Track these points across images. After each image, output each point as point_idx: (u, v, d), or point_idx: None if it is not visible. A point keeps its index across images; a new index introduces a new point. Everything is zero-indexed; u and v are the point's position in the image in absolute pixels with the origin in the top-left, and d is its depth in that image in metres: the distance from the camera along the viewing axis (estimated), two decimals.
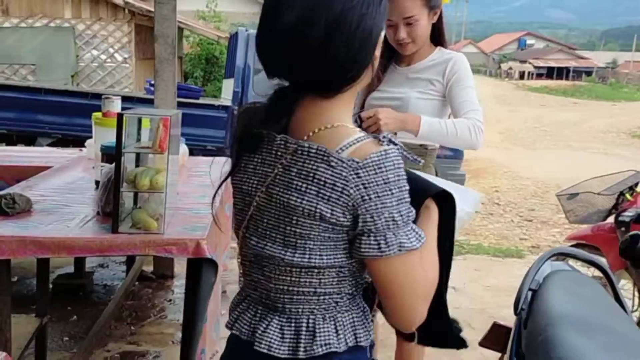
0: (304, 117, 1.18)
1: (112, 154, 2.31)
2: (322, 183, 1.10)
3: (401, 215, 1.11)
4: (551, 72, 62.84)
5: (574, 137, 19.81)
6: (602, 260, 2.39)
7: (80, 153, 3.92)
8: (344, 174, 1.09)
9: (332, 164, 1.10)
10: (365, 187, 1.08)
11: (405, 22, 2.35)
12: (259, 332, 1.21)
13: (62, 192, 2.83)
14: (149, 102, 5.29)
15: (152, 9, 4.08)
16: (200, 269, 2.35)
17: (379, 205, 1.09)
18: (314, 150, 1.12)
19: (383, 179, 1.09)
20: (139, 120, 2.32)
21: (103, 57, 12.67)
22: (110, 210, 2.33)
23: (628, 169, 4.09)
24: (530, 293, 2.01)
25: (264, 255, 1.20)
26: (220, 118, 7.23)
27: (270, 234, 1.18)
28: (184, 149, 3.60)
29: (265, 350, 1.19)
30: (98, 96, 4.44)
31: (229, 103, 7.27)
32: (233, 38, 7.68)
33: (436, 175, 2.49)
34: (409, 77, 2.47)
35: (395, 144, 1.14)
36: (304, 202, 1.11)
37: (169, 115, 2.20)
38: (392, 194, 1.09)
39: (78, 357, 3.01)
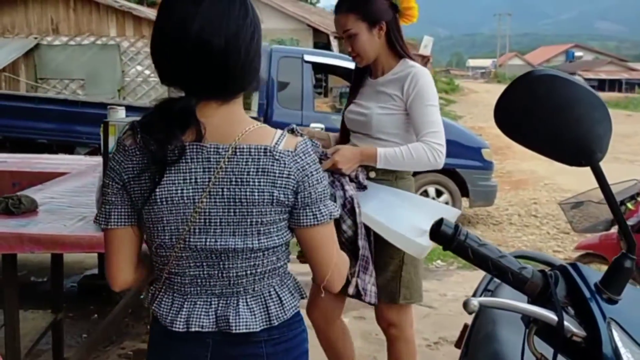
0: (215, 123, 1.31)
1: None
2: (273, 174, 1.30)
3: (325, 189, 1.38)
4: (602, 85, 61.15)
5: (623, 149, 19.30)
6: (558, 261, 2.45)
7: (100, 160, 4.17)
8: (287, 162, 1.31)
9: (277, 157, 1.31)
10: (303, 170, 1.33)
11: (346, 36, 2.42)
12: (232, 318, 1.34)
13: (69, 195, 3.06)
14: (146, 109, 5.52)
15: None
16: None
17: (313, 181, 1.34)
18: (255, 150, 1.30)
19: (312, 161, 1.35)
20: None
21: (147, 72, 13.15)
22: None
23: (631, 179, 4.08)
24: (487, 294, 2.09)
25: (221, 251, 1.33)
26: None
27: (227, 230, 1.31)
28: None
29: (244, 331, 1.35)
30: (132, 108, 4.69)
31: (255, 114, 7.51)
32: None
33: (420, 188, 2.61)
34: (376, 90, 2.51)
35: (302, 135, 1.44)
36: (264, 193, 1.30)
37: None
38: (318, 172, 1.36)
39: (83, 348, 3.22)
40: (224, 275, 1.36)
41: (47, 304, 3.61)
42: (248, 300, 1.37)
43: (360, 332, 3.99)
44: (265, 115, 7.35)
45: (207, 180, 1.29)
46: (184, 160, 1.29)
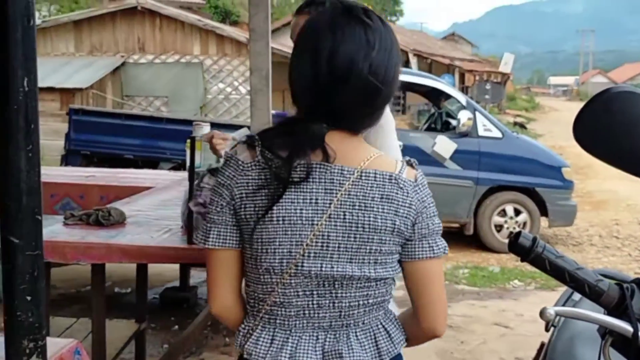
0: (343, 149, 1.27)
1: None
2: (397, 202, 1.27)
3: (439, 224, 1.35)
4: None
5: None
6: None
7: (185, 175, 4.30)
8: (410, 192, 1.29)
9: (401, 185, 1.28)
10: (422, 201, 1.31)
11: None
12: (345, 353, 1.27)
13: (156, 208, 3.17)
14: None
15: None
16: None
17: (430, 213, 1.32)
18: (380, 175, 1.27)
19: (428, 193, 1.33)
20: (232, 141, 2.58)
21: (228, 89, 13.50)
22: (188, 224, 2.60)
23: None
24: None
25: (337, 277, 1.25)
26: None
27: (345, 256, 1.25)
28: None
29: None
30: (215, 125, 4.82)
31: None
32: None
33: None
34: None
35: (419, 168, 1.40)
36: (387, 221, 1.25)
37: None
38: (433, 205, 1.34)
39: (165, 358, 3.30)
40: (336, 305, 1.27)
41: (131, 314, 3.73)
42: (358, 333, 1.30)
43: (435, 350, 3.93)
44: None
45: (328, 202, 1.24)
46: (306, 180, 1.24)
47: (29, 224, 1.45)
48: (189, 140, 3.40)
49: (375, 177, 1.26)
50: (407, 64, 20.71)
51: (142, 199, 3.38)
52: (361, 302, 1.28)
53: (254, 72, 4.25)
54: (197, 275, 5.25)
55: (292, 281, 1.25)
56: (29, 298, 1.45)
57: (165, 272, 5.19)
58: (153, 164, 7.54)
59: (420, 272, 1.33)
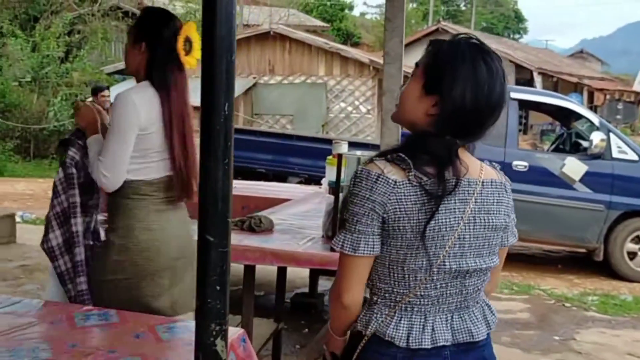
0: (464, 161, 1.51)
1: (334, 188, 2.86)
2: (506, 204, 1.58)
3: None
4: None
5: None
6: None
7: (318, 189, 4.61)
8: (509, 194, 1.60)
9: (507, 190, 1.59)
10: (513, 200, 1.63)
11: None
12: (473, 328, 1.55)
13: (298, 218, 3.47)
14: (378, 148, 5.88)
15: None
16: None
17: (513, 207, 1.62)
18: (494, 183, 1.56)
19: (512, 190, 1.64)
20: (358, 160, 2.84)
21: (349, 108, 13.88)
22: (331, 234, 2.87)
23: None
24: None
25: (470, 271, 1.52)
26: None
27: (474, 252, 1.51)
28: None
29: (482, 338, 1.57)
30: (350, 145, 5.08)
31: None
32: None
33: None
34: None
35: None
36: (502, 220, 1.56)
37: None
38: None
39: (300, 358, 3.57)
40: (462, 292, 1.54)
41: (264, 315, 4.03)
42: (475, 311, 1.58)
43: None
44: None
45: (463, 210, 1.48)
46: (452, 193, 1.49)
47: (222, 225, 1.74)
48: (330, 157, 3.70)
49: (491, 185, 1.55)
50: (530, 82, 20.24)
51: (286, 210, 3.69)
52: (479, 287, 1.57)
53: (386, 93, 4.48)
54: (322, 284, 5.53)
55: (434, 277, 1.49)
56: (218, 288, 1.74)
57: (295, 279, 5.51)
58: (282, 177, 7.96)
59: (502, 253, 1.65)
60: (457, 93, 1.46)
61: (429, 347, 1.49)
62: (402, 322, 1.51)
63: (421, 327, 1.50)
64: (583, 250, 7.49)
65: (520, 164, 7.18)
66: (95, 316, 2.21)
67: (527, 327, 5.05)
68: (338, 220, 2.71)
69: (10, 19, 18.60)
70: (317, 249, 2.82)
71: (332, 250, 2.74)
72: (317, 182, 6.11)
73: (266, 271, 4.42)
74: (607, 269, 7.10)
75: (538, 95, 8.48)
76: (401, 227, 1.45)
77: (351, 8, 36.69)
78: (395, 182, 1.44)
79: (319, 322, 4.70)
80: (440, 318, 1.52)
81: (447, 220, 1.46)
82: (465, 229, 1.48)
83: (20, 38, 17.39)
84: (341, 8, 32.72)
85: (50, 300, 2.51)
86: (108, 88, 8.23)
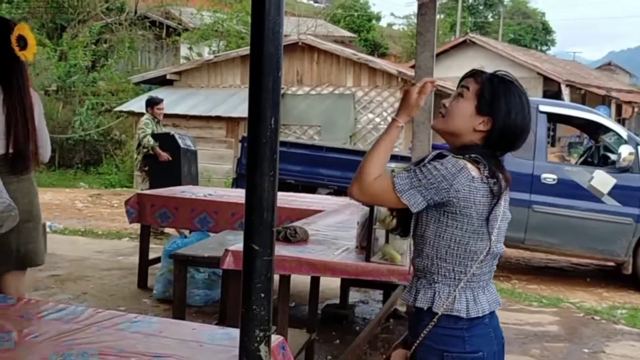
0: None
1: None
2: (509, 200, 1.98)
3: None
4: None
5: None
6: None
7: (349, 201, 4.65)
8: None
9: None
10: None
11: None
12: (499, 299, 1.97)
13: (332, 229, 3.52)
14: (408, 159, 5.92)
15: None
16: None
17: None
18: None
19: None
20: (392, 172, 2.87)
21: (377, 120, 13.90)
22: (365, 244, 2.91)
23: None
24: None
25: (500, 253, 1.93)
26: None
27: (502, 239, 1.93)
28: None
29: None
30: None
31: None
32: None
33: None
34: None
35: None
36: (510, 215, 1.95)
37: None
38: None
39: None
40: (490, 271, 1.95)
41: (298, 325, 4.08)
42: (493, 286, 1.99)
43: None
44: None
45: (503, 205, 1.89)
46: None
47: (267, 235, 1.81)
48: None
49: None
50: (558, 94, 20.08)
51: (319, 220, 3.75)
52: (495, 267, 1.97)
53: None
54: (353, 296, 5.57)
55: (486, 259, 1.88)
56: (262, 295, 1.80)
57: (325, 290, 5.55)
58: (312, 189, 8.02)
59: None
60: (508, 116, 1.89)
61: (481, 315, 1.88)
62: (462, 297, 1.87)
63: (472, 300, 1.88)
64: (612, 263, 7.44)
65: (548, 177, 7.16)
66: (140, 323, 2.28)
67: (557, 339, 5.03)
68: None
69: (37, 28, 18.96)
70: (352, 259, 2.87)
71: (367, 260, 2.79)
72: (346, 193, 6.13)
73: (295, 282, 4.48)
74: (635, 283, 7.04)
75: (566, 108, 8.45)
76: (468, 214, 1.83)
77: (379, 19, 36.82)
78: (473, 177, 1.82)
79: (351, 334, 4.74)
80: (482, 292, 1.91)
81: (498, 213, 1.86)
82: (501, 219, 1.88)
83: (48, 47, 17.62)
84: (369, 19, 32.83)
85: (94, 308, 2.58)
86: (162, 101, 8.36)
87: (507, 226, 1.93)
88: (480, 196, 1.82)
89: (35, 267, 5.53)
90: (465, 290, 1.87)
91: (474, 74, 1.96)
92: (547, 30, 44.14)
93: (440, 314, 1.85)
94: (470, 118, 1.89)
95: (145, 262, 5.58)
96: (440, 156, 1.88)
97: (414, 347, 1.94)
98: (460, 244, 1.84)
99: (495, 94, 1.89)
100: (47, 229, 7.06)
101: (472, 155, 1.84)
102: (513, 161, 7.42)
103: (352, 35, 28.02)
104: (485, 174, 1.82)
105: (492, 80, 1.93)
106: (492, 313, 1.93)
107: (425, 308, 1.88)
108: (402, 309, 5.17)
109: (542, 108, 7.52)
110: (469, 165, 1.82)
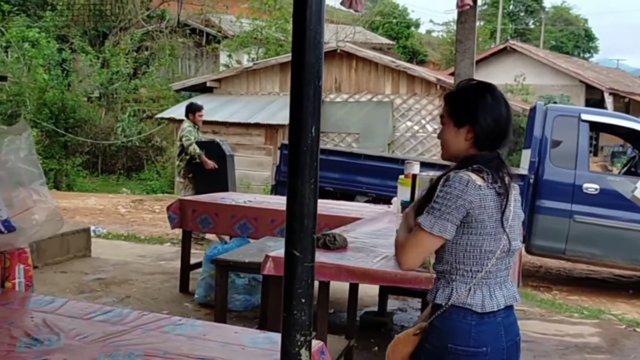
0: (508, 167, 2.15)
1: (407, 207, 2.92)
2: (519, 200, 2.15)
3: None
4: None
5: None
6: None
7: (387, 209, 4.67)
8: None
9: (517, 189, 2.17)
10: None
11: None
12: (516, 294, 2.12)
13: (370, 237, 3.54)
14: (447, 168, 5.87)
15: None
16: None
17: None
18: (515, 185, 2.13)
19: None
20: (430, 181, 2.89)
21: (416, 127, 13.85)
22: None
23: None
24: None
25: (516, 250, 2.09)
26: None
27: (516, 236, 2.08)
28: None
29: (518, 301, 2.14)
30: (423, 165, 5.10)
31: (525, 172, 7.51)
32: (532, 111, 7.95)
33: None
34: None
35: None
36: (521, 212, 2.13)
37: None
38: None
39: None
40: (507, 267, 2.09)
41: (336, 331, 4.11)
42: (511, 282, 2.12)
43: None
44: (536, 173, 7.33)
45: (511, 203, 2.04)
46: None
47: (308, 241, 1.85)
48: (402, 177, 3.76)
49: (514, 187, 2.11)
50: (601, 103, 19.71)
51: (358, 228, 3.77)
52: (513, 264, 2.11)
53: None
54: (391, 303, 5.56)
55: (501, 256, 2.03)
56: (303, 300, 1.84)
57: (364, 297, 5.56)
58: (350, 196, 8.03)
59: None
60: (483, 117, 2.05)
61: (495, 309, 2.02)
62: (477, 293, 2.01)
63: (489, 295, 2.02)
64: None
65: (590, 187, 7.06)
66: (184, 326, 2.34)
67: (598, 351, 4.95)
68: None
69: (80, 35, 19.41)
70: (391, 267, 2.88)
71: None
72: (385, 201, 6.16)
73: (334, 289, 4.50)
74: None
75: (609, 117, 8.32)
76: (482, 219, 1.98)
77: (417, 26, 36.71)
78: (480, 186, 1.98)
79: (389, 341, 4.69)
80: (498, 288, 2.05)
81: (509, 212, 2.02)
82: (513, 219, 2.04)
83: (90, 54, 17.99)
84: (407, 26, 32.75)
85: (139, 310, 2.66)
86: (202, 107, 8.49)
87: (520, 224, 2.09)
88: (489, 201, 1.98)
89: (81, 271, 5.70)
90: (481, 287, 2.01)
91: (444, 98, 2.20)
92: (589, 37, 43.32)
93: (450, 304, 2.00)
94: (456, 137, 2.08)
95: (186, 267, 5.67)
96: (445, 178, 2.03)
97: (419, 332, 2.09)
98: (475, 246, 2.00)
99: (462, 104, 2.09)
100: (92, 233, 7.22)
101: (475, 167, 2.01)
102: (554, 170, 7.33)
103: (391, 42, 27.97)
104: (490, 180, 1.99)
105: (455, 94, 2.16)
106: (508, 310, 2.06)
107: (444, 304, 2.02)
108: None
109: (585, 117, 7.42)
110: (473, 176, 1.98)
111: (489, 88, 2.11)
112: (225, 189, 7.56)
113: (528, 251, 7.29)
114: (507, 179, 2.03)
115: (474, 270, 2.00)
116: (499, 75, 19.17)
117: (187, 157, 8.06)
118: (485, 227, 1.98)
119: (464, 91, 2.15)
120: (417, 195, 2.88)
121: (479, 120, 2.04)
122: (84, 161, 16.25)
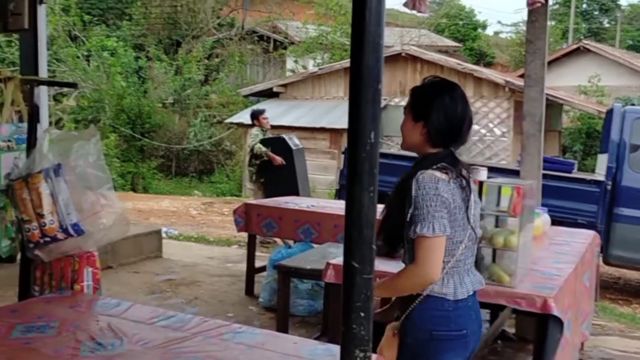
0: (464, 162, 2.29)
1: None
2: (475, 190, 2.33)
3: None
4: None
5: None
6: None
7: None
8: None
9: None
10: None
11: None
12: (480, 279, 2.33)
13: None
14: (516, 173, 5.69)
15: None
16: (547, 325, 2.66)
17: None
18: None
19: None
20: (499, 188, 2.77)
21: (483, 131, 13.55)
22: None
23: None
24: None
25: (479, 237, 2.30)
26: (592, 193, 7.16)
27: (478, 225, 2.27)
28: (545, 218, 3.92)
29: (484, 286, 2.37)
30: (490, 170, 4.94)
31: (602, 178, 7.19)
32: (609, 113, 7.61)
33: None
34: None
35: None
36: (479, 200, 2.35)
37: (523, 185, 2.61)
38: None
39: None
40: (472, 255, 2.26)
41: None
42: (474, 269, 2.30)
43: None
44: (614, 180, 7.01)
45: (472, 194, 2.20)
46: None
47: (367, 252, 1.77)
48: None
49: (471, 178, 2.27)
50: None
51: None
52: (475, 252, 2.29)
53: (527, 117, 4.37)
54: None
55: (469, 244, 2.20)
56: (362, 314, 1.76)
57: None
58: None
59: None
60: (436, 115, 2.18)
61: (466, 296, 2.18)
62: (449, 282, 2.17)
63: (459, 283, 2.18)
64: None
65: None
66: (243, 334, 2.32)
67: None
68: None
69: (155, 44, 20.04)
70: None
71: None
72: None
73: None
74: None
75: None
76: (454, 212, 2.13)
77: (485, 27, 35.94)
78: (448, 181, 2.13)
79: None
80: (466, 275, 2.21)
81: (471, 202, 2.17)
82: (475, 208, 2.20)
83: (165, 62, 18.59)
84: (474, 27, 32.13)
85: (201, 317, 2.66)
86: (265, 110, 8.54)
87: (479, 211, 2.29)
88: (457, 195, 2.13)
89: (152, 272, 5.81)
90: (452, 275, 2.16)
91: (409, 91, 2.32)
92: None
93: (427, 294, 2.14)
94: (413, 130, 2.21)
95: (252, 270, 5.71)
96: (415, 181, 2.11)
97: (400, 321, 2.20)
98: (447, 238, 2.11)
99: (419, 99, 2.23)
100: (164, 235, 7.40)
101: (438, 166, 2.13)
102: (634, 176, 7.00)
103: (457, 44, 27.51)
104: (454, 176, 2.14)
105: (418, 89, 2.27)
106: (474, 295, 2.23)
107: (421, 295, 2.15)
108: (511, 330, 4.97)
109: None
110: (438, 174, 2.11)
111: (449, 87, 2.23)
112: (294, 183, 7.53)
113: (606, 262, 6.98)
114: (464, 172, 2.18)
115: (445, 261, 2.12)
116: (571, 76, 18.52)
117: (257, 162, 8.07)
118: (456, 219, 2.12)
119: (424, 88, 2.26)
120: (484, 202, 2.76)
121: (432, 117, 2.16)
122: (158, 164, 16.84)
